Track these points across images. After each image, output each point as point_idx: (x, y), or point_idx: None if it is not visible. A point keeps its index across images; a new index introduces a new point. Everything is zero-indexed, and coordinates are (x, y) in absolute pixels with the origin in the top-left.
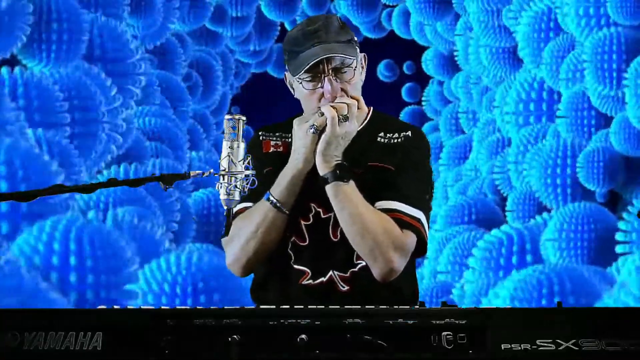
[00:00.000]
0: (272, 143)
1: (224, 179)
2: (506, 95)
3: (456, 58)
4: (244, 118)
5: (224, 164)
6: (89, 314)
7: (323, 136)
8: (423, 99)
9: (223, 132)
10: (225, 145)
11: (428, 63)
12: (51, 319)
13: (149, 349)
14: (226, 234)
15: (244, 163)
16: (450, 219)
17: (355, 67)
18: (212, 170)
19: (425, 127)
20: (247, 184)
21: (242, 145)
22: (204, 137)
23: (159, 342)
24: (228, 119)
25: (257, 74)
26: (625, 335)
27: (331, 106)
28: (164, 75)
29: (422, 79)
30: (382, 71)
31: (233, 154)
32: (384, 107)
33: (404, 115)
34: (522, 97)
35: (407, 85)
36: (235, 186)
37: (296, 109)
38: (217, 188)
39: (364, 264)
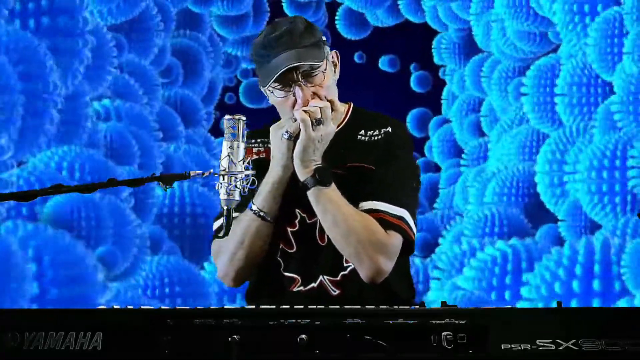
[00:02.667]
0: (255, 150)
1: (224, 179)
2: (551, 74)
3: (475, 38)
4: (244, 118)
5: (224, 164)
6: (89, 314)
7: (298, 141)
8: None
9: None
10: (225, 145)
11: (441, 51)
12: (51, 319)
13: (148, 349)
14: (226, 233)
15: (244, 163)
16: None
17: (325, 69)
18: (212, 170)
19: (434, 122)
20: (247, 184)
21: (242, 145)
22: (180, 128)
23: (159, 342)
24: (228, 119)
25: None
26: (625, 335)
27: (304, 111)
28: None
29: (433, 68)
30: (386, 64)
31: (233, 154)
32: (389, 100)
33: (411, 117)
34: (574, 80)
35: (417, 74)
36: (235, 186)
37: None
38: (217, 188)
39: (353, 266)
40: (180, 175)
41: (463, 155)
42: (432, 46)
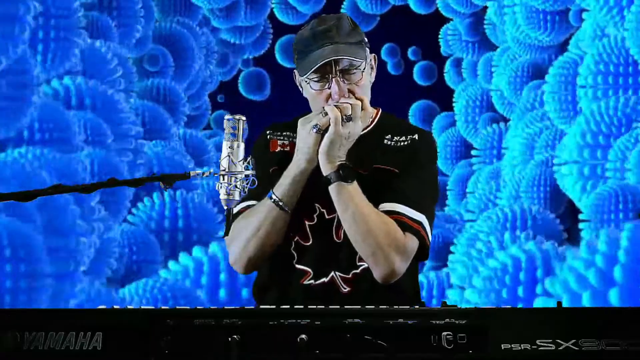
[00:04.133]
0: (279, 142)
1: (224, 179)
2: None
3: (486, 27)
4: (244, 118)
5: (224, 164)
6: (89, 313)
7: (326, 136)
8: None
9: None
10: (225, 145)
11: (449, 39)
12: (51, 319)
13: (149, 349)
14: (226, 233)
15: (244, 163)
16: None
17: (364, 68)
18: (212, 170)
19: (438, 120)
20: (247, 184)
21: (242, 146)
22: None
23: (159, 342)
24: (228, 119)
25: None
26: (625, 335)
27: (335, 106)
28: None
29: (439, 59)
30: (386, 56)
31: (233, 154)
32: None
33: (413, 111)
34: (601, 69)
35: (422, 64)
36: (235, 186)
37: (298, 105)
38: (217, 188)
39: (365, 265)
40: (180, 175)
41: (473, 152)
42: (440, 36)
